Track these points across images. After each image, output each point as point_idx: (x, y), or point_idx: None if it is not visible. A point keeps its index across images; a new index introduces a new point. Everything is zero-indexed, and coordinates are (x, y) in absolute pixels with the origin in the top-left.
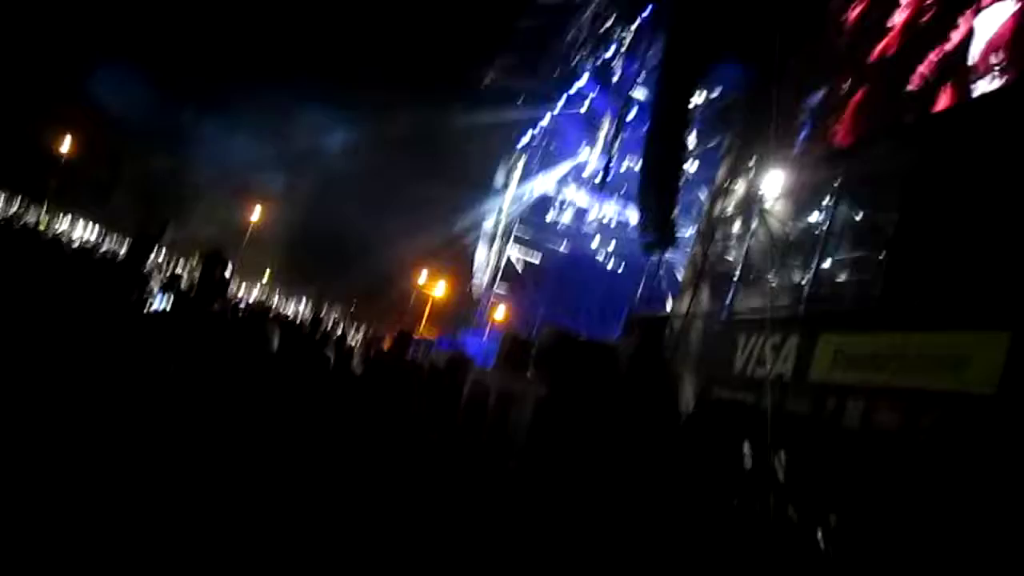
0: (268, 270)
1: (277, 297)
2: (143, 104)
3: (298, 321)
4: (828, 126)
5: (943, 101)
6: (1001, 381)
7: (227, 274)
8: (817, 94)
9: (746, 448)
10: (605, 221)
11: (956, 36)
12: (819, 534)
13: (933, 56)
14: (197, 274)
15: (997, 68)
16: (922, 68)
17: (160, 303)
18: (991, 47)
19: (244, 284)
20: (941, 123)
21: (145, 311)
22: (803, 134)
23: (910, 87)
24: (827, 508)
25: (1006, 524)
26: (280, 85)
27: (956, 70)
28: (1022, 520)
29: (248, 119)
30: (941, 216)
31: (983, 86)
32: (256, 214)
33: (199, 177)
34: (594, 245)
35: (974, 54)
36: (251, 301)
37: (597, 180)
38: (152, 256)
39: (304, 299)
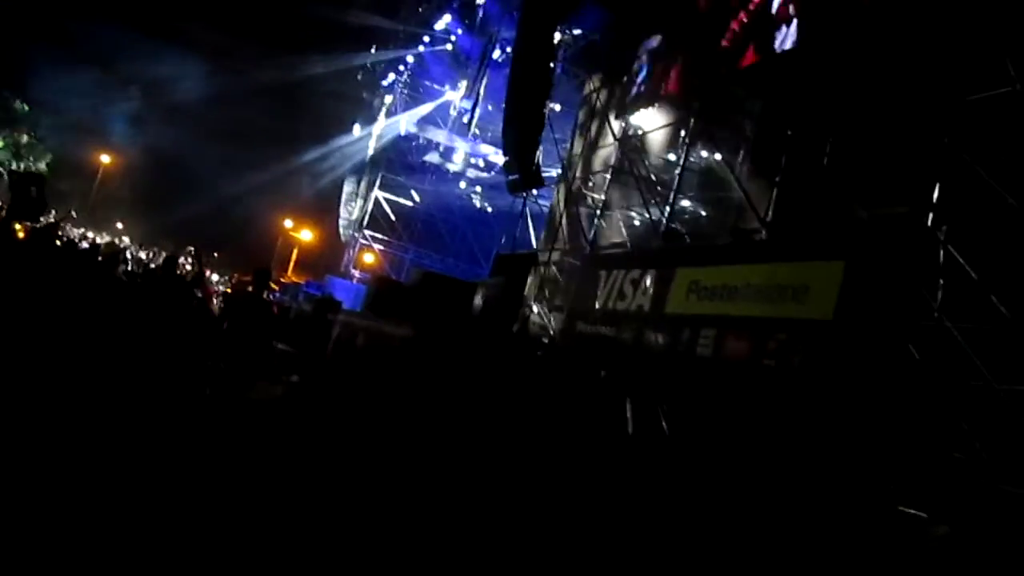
0: (120, 223)
1: (130, 244)
2: None
3: (151, 265)
4: (663, 71)
5: (749, 57)
6: (836, 307)
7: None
8: (652, 40)
9: (602, 374)
10: (473, 162)
11: None
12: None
13: (743, 16)
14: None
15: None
16: (734, 24)
17: None
18: None
19: (93, 232)
20: (778, 69)
21: None
22: (640, 76)
23: (724, 43)
24: (680, 428)
25: (843, 438)
26: (134, 31)
27: (762, 27)
28: (855, 434)
29: (97, 63)
30: (782, 156)
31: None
32: (104, 160)
33: (42, 120)
34: (462, 186)
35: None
36: (99, 243)
37: (465, 120)
38: None
39: (158, 250)
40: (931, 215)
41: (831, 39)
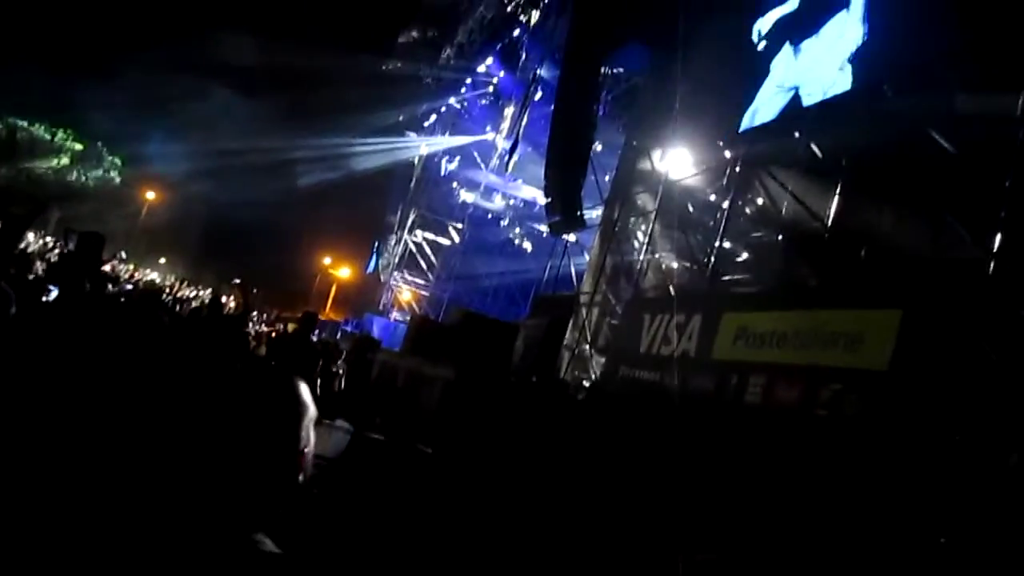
0: (163, 258)
1: (174, 281)
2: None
3: (195, 304)
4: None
5: None
6: (893, 357)
7: (104, 253)
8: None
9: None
10: (513, 203)
11: None
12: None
13: None
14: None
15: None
16: None
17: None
18: None
19: (137, 270)
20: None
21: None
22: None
23: None
24: (730, 481)
25: (897, 492)
26: (180, 63)
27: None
28: (911, 488)
29: (139, 98)
30: (832, 199)
31: None
32: (150, 197)
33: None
34: (501, 225)
35: None
36: (142, 283)
37: (505, 161)
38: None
39: (200, 286)
40: (992, 263)
41: (884, 83)
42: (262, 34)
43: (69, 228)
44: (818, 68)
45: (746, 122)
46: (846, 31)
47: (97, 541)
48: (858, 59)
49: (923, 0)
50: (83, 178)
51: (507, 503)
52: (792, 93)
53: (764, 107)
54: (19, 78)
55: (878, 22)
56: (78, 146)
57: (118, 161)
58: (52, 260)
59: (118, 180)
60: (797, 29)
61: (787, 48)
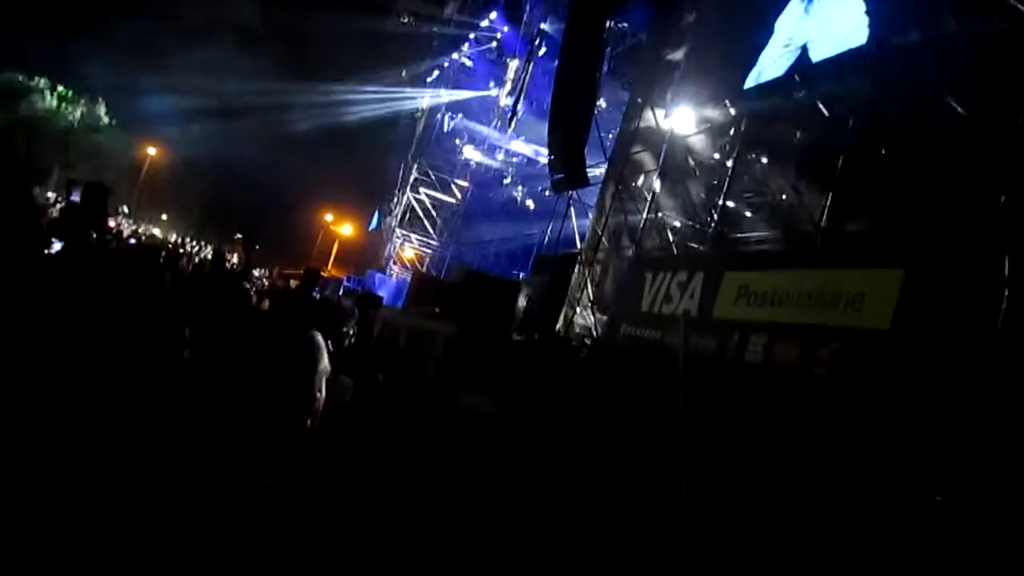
0: (165, 215)
1: (176, 238)
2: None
3: (197, 260)
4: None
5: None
6: (895, 317)
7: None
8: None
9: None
10: (516, 161)
11: None
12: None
13: None
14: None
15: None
16: None
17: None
18: None
19: (139, 225)
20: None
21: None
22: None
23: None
24: (730, 441)
25: (894, 451)
26: (178, 17)
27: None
28: (911, 448)
29: (137, 53)
30: (838, 159)
31: None
32: (151, 153)
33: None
34: (504, 183)
35: None
36: (144, 239)
37: (508, 118)
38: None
39: (203, 242)
40: (995, 224)
41: (896, 43)
42: None
43: (72, 179)
44: (830, 23)
45: (751, 80)
46: None
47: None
48: (875, 11)
49: None
50: (75, 122)
51: (508, 457)
52: (800, 51)
53: (771, 65)
54: (13, 34)
55: None
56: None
57: (103, 110)
58: (54, 215)
59: (107, 121)
60: None
61: (796, 3)
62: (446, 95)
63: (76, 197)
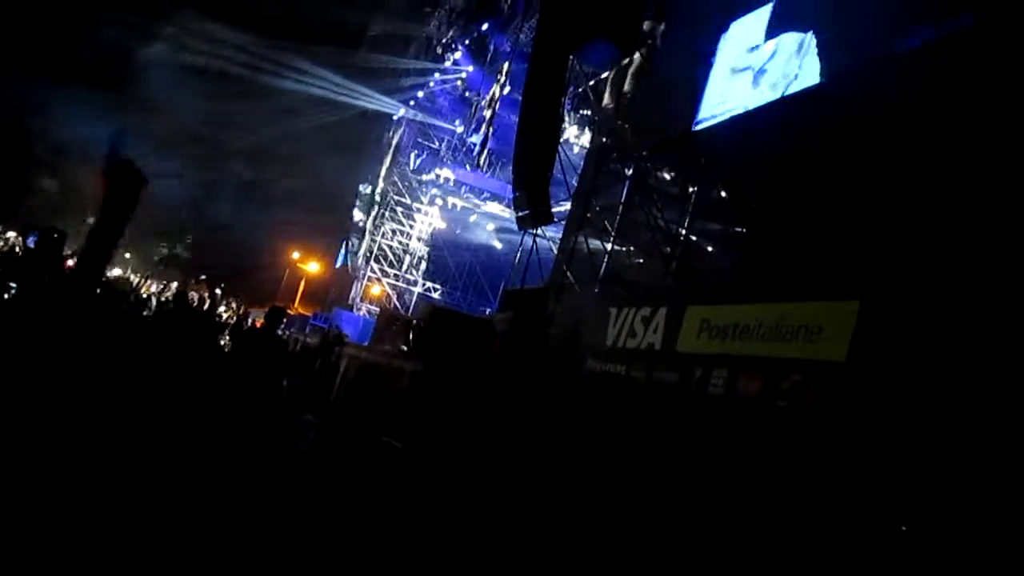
0: (128, 253)
1: (139, 279)
2: None
3: (162, 299)
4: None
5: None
6: (850, 348)
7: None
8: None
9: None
10: (483, 196)
11: None
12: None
13: None
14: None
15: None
16: None
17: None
18: None
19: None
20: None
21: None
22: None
23: None
24: (694, 473)
25: (856, 480)
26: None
27: None
28: (870, 476)
29: (104, 92)
30: (796, 193)
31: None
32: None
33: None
34: (471, 220)
35: None
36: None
37: (475, 155)
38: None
39: (166, 282)
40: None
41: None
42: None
43: (29, 224)
44: (781, 64)
45: (706, 116)
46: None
47: None
48: (825, 52)
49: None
50: None
51: (473, 493)
52: (752, 81)
53: (726, 102)
54: None
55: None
56: None
57: None
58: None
59: None
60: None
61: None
62: (411, 115)
63: (32, 243)
